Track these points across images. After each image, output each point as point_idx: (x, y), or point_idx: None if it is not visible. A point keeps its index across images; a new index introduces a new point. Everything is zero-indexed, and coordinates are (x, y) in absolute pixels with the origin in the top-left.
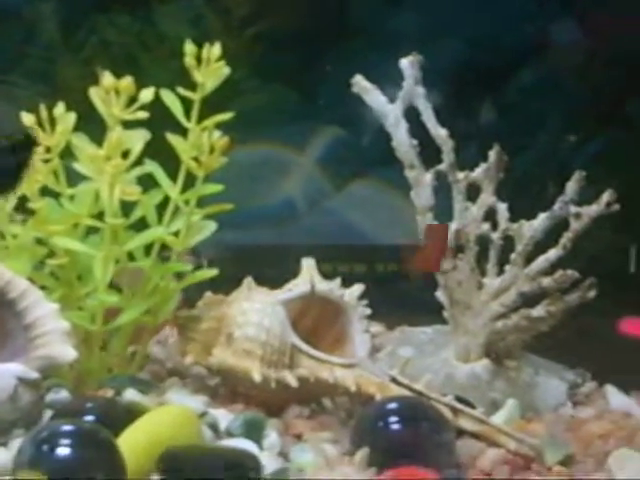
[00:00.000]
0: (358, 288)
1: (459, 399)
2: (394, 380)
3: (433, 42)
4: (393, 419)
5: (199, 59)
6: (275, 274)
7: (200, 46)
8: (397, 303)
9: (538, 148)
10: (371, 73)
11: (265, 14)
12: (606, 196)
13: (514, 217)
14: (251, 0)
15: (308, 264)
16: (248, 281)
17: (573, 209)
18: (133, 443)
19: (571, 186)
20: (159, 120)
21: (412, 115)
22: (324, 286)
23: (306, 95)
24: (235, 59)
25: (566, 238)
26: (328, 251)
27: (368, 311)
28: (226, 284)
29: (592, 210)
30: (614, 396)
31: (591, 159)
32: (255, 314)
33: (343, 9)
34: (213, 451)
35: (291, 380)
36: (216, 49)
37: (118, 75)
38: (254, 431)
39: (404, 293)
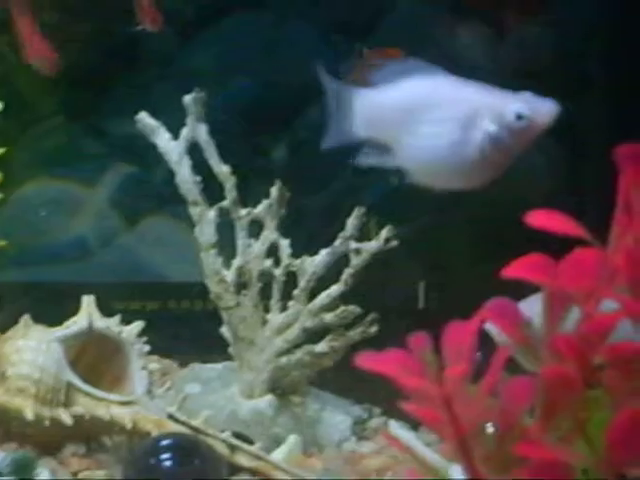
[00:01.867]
0: (137, 325)
1: (237, 435)
2: (172, 417)
3: (223, 79)
4: (164, 456)
5: None
6: (66, 313)
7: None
8: (191, 340)
9: (328, 185)
10: (163, 109)
11: (61, 48)
12: (385, 232)
13: (311, 253)
14: (47, 34)
15: (87, 301)
16: (25, 319)
17: (353, 245)
18: None
19: (351, 222)
20: None
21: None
22: (102, 323)
23: (98, 132)
24: (29, 96)
25: (347, 274)
26: (121, 289)
27: (147, 348)
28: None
29: (372, 246)
30: (396, 431)
31: (381, 196)
32: (29, 352)
33: (135, 45)
34: None
35: (66, 418)
36: None
37: None
38: (24, 470)
39: (198, 329)
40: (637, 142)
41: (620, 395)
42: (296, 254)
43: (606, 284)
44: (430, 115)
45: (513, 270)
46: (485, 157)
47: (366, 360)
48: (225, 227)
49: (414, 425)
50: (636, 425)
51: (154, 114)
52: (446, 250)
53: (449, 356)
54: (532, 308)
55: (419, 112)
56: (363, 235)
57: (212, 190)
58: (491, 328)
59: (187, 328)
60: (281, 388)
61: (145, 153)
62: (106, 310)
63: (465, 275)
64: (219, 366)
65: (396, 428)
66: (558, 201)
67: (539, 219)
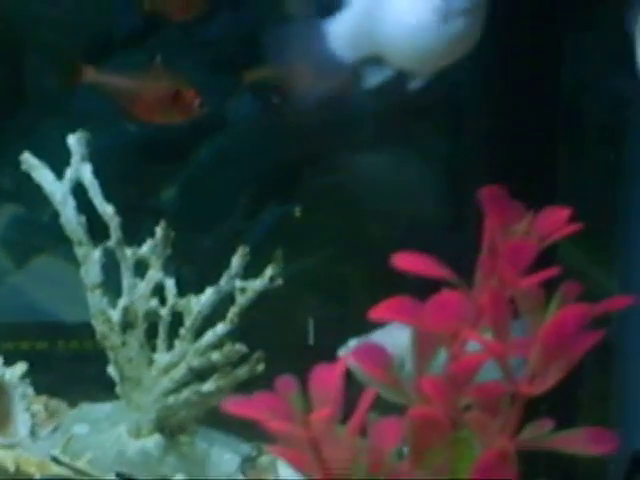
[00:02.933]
0: (20, 367)
1: (121, 476)
2: (55, 459)
3: (110, 118)
4: None
5: None
6: None
7: None
8: (81, 380)
9: (219, 223)
10: (51, 148)
11: None
12: (269, 271)
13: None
14: None
15: None
16: None
17: (238, 283)
18: None
19: (236, 260)
20: None
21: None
22: None
23: None
24: None
25: (232, 312)
26: (9, 329)
27: (30, 390)
28: None
29: (256, 284)
30: (283, 469)
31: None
32: None
33: (19, 82)
34: None
35: None
36: None
37: None
38: None
39: (88, 370)
40: (511, 180)
41: (486, 435)
42: (185, 294)
43: (471, 325)
44: None
45: (379, 312)
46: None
47: (233, 405)
48: (114, 266)
49: None
50: (501, 464)
51: (40, 155)
52: (338, 284)
53: (317, 398)
54: (390, 337)
55: None
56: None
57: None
58: (354, 367)
59: (77, 368)
60: (169, 427)
61: (34, 193)
62: None
63: (357, 309)
64: (108, 406)
65: (283, 467)
66: (444, 236)
67: (404, 261)
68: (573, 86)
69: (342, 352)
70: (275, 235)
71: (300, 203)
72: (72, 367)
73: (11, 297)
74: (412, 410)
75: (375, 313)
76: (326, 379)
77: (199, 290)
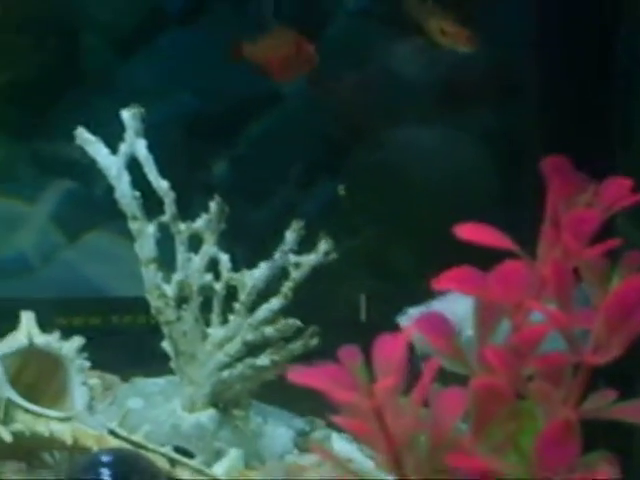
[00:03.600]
0: (77, 340)
1: (178, 449)
2: (112, 432)
3: (163, 94)
4: (103, 470)
5: None
6: (7, 330)
7: None
8: (134, 355)
9: (271, 198)
10: (102, 123)
11: None
12: (323, 245)
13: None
14: None
15: (27, 317)
16: None
17: (293, 258)
18: None
19: (290, 235)
20: None
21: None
22: (42, 339)
23: (37, 148)
24: None
25: (287, 287)
26: (63, 304)
27: (87, 363)
28: None
29: (311, 259)
30: (337, 443)
31: (325, 208)
32: None
33: (73, 59)
34: None
35: (5, 435)
36: None
37: None
38: None
39: (141, 344)
40: (567, 154)
41: (549, 405)
42: (239, 268)
43: (535, 296)
44: None
45: (442, 282)
46: None
47: (297, 375)
48: (167, 241)
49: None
50: (565, 435)
51: (94, 130)
52: (389, 261)
53: (380, 368)
54: (448, 307)
55: None
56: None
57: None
58: (414, 337)
59: (130, 343)
60: (223, 402)
61: (86, 168)
62: (48, 326)
63: (409, 286)
64: (161, 380)
65: (338, 441)
66: (494, 213)
67: (467, 231)
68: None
69: (402, 321)
70: (327, 211)
71: (351, 180)
72: (125, 342)
73: (64, 272)
74: (475, 380)
75: (438, 283)
76: (389, 349)
77: (253, 265)
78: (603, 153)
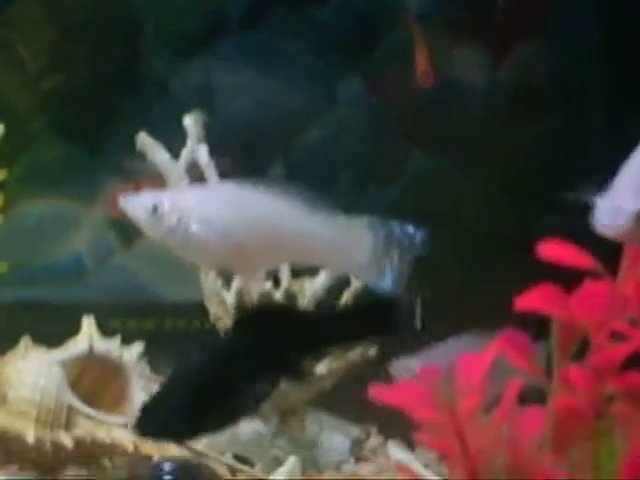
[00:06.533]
0: (138, 347)
1: (238, 458)
2: None
3: (224, 100)
4: (166, 479)
5: None
6: (62, 332)
7: None
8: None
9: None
10: (162, 128)
11: (58, 68)
12: None
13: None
14: (46, 53)
15: (88, 323)
16: (25, 340)
17: None
18: None
19: None
20: None
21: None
22: (103, 345)
23: (96, 150)
24: (29, 113)
25: (346, 296)
26: (117, 308)
27: (147, 370)
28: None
29: None
30: (395, 452)
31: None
32: (30, 374)
33: (135, 64)
34: None
35: (67, 441)
36: None
37: None
38: None
39: (195, 349)
40: None
41: (631, 425)
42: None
43: (617, 315)
44: None
45: (526, 302)
46: None
47: (379, 392)
48: None
49: (410, 444)
50: None
51: (153, 134)
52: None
53: (461, 387)
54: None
55: None
56: None
57: None
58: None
59: (184, 347)
60: (280, 410)
61: (142, 172)
62: (102, 328)
63: (460, 294)
64: None
65: (394, 449)
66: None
67: (550, 250)
68: None
69: (396, 371)
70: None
71: (408, 185)
72: (179, 346)
73: (119, 276)
74: (556, 400)
75: (521, 303)
76: (472, 368)
77: (313, 272)
78: None
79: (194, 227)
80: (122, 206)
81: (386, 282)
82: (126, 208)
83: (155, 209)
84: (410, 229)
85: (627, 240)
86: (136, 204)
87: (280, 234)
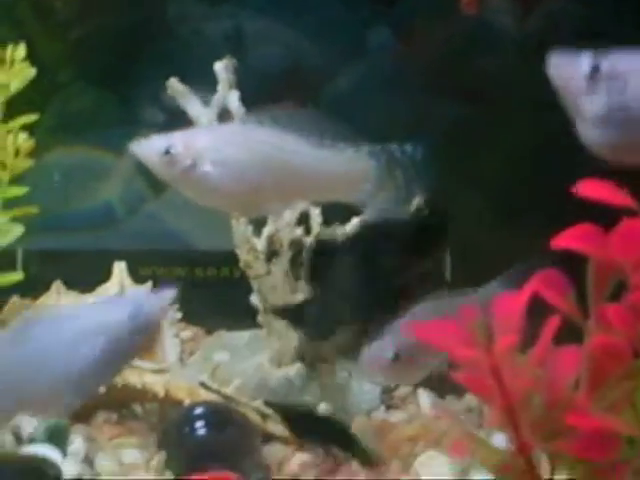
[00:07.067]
0: (169, 293)
1: (268, 404)
2: (204, 385)
3: (254, 46)
4: (199, 424)
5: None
6: (94, 279)
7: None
8: (217, 307)
9: None
10: (192, 75)
11: (87, 17)
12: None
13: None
14: (73, 3)
15: (119, 268)
16: (57, 285)
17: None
18: None
19: None
20: None
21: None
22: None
23: (126, 98)
24: (58, 62)
25: None
26: (147, 255)
27: (178, 316)
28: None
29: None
30: (425, 400)
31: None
32: None
33: (163, 11)
34: (8, 458)
35: None
36: (21, 50)
37: None
38: (58, 437)
39: (224, 297)
40: None
41: None
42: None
43: None
44: None
45: (563, 240)
46: None
47: (418, 330)
48: None
49: (440, 393)
50: None
51: (184, 80)
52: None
53: (499, 327)
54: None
55: None
56: None
57: None
58: None
59: (214, 295)
60: (309, 357)
61: (174, 120)
62: (133, 276)
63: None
64: (246, 334)
65: (424, 396)
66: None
67: (589, 189)
68: None
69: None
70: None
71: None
72: (210, 294)
73: (149, 224)
74: (593, 339)
75: (559, 241)
76: (508, 308)
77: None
78: None
79: (208, 168)
80: (133, 151)
81: (395, 204)
82: (138, 153)
83: (167, 151)
84: (409, 148)
85: None
86: (148, 148)
87: (291, 171)
